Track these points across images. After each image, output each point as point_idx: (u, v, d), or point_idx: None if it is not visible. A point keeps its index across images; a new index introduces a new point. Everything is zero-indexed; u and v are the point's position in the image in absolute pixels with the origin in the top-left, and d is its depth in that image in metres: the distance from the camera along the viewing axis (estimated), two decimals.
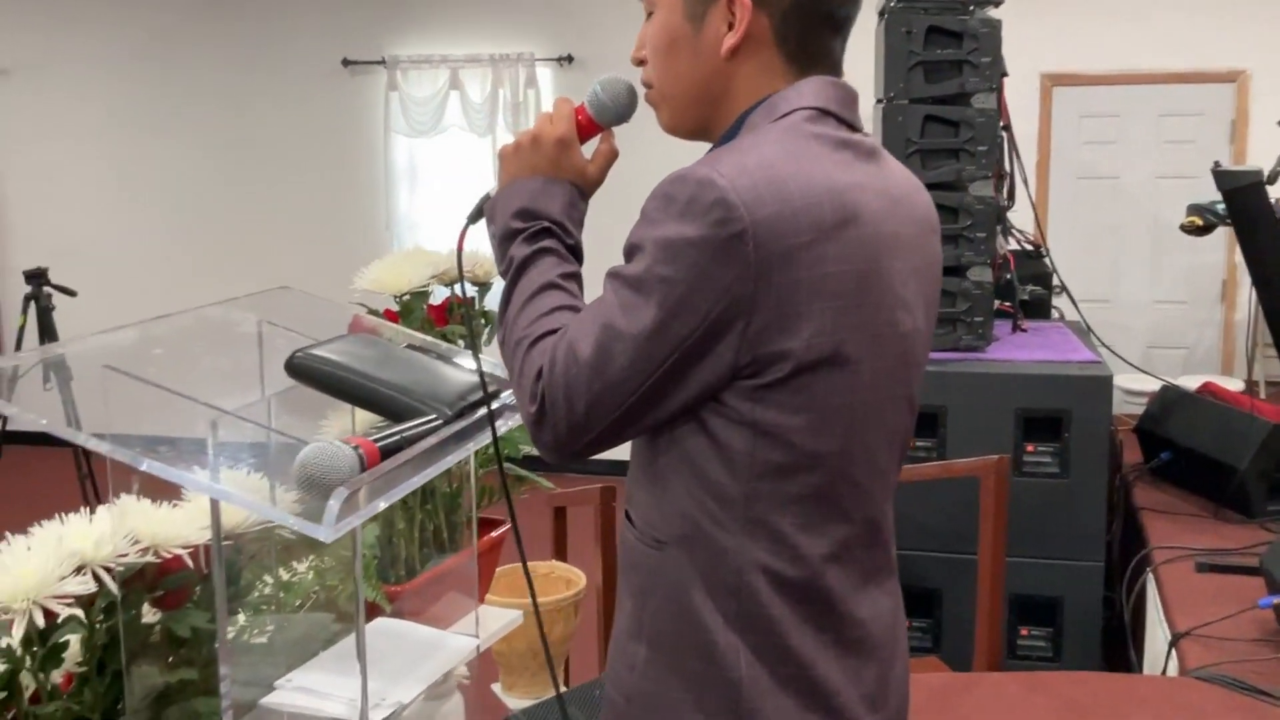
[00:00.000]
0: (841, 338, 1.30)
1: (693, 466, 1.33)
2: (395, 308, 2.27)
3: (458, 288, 2.35)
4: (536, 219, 1.47)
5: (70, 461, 6.46)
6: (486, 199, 1.55)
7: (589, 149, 1.56)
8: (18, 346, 6.70)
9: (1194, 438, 4.56)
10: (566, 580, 3.99)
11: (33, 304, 6.51)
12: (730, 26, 1.39)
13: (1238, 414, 4.53)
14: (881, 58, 4.26)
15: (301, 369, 1.65)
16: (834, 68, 1.45)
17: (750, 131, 1.39)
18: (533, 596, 1.62)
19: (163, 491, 1.58)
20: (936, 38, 4.15)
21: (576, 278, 1.47)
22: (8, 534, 1.57)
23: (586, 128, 1.54)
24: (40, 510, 1.68)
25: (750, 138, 1.37)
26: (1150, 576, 3.89)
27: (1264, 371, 5.90)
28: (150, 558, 1.55)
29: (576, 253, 1.49)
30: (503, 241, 1.49)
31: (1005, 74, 4.31)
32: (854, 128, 1.43)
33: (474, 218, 1.58)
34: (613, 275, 1.34)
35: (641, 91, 1.54)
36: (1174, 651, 3.29)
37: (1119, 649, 4.12)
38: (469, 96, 8.08)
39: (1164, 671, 3.36)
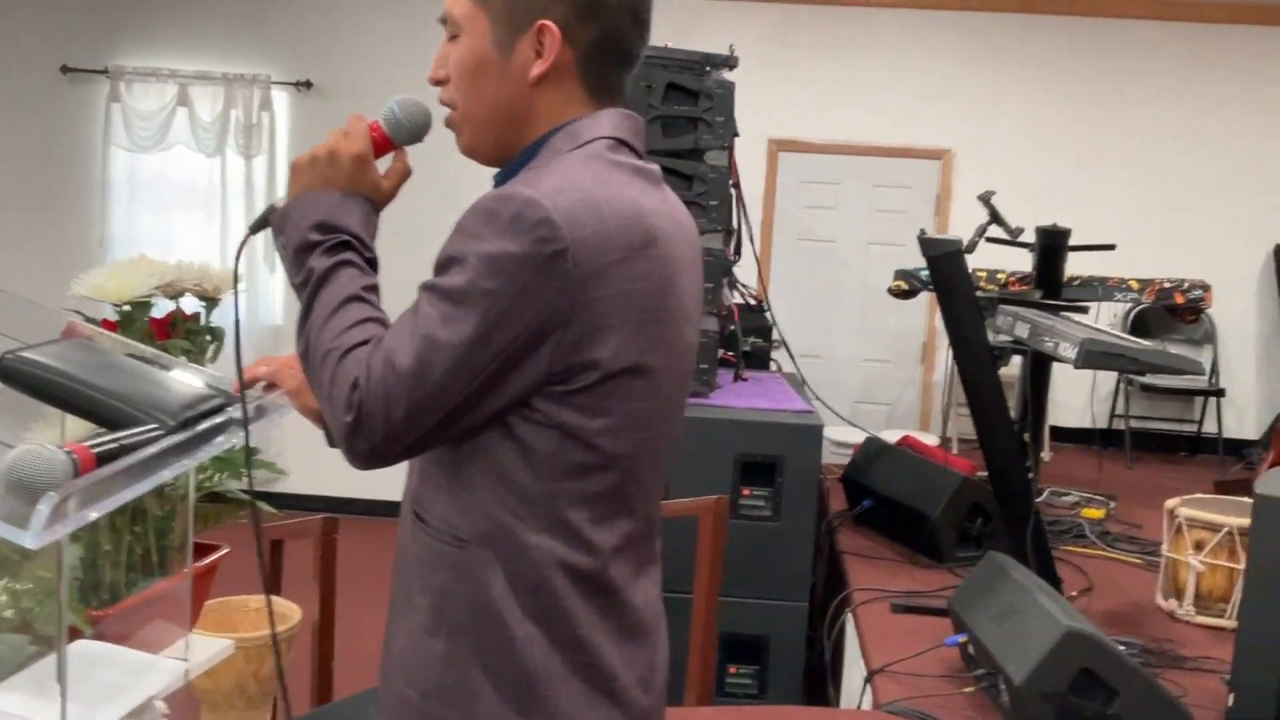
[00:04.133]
0: (643, 349, 1.41)
1: (497, 468, 1.40)
2: (114, 317, 2.16)
3: (183, 301, 2.26)
4: (336, 232, 1.49)
5: None
6: (273, 210, 1.54)
7: (381, 165, 1.59)
8: None
9: (893, 487, 4.87)
10: (281, 614, 3.86)
11: None
12: (538, 54, 1.47)
13: (932, 466, 4.88)
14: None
15: (11, 372, 1.55)
16: (624, 100, 1.56)
17: (552, 155, 1.47)
18: (271, 624, 1.59)
19: None
20: (675, 94, 4.31)
21: (377, 290, 1.51)
22: None
23: (381, 145, 1.57)
24: None
25: (559, 162, 1.44)
26: (850, 616, 4.12)
27: (957, 428, 6.37)
28: None
29: (374, 265, 1.53)
30: (298, 253, 1.49)
31: (736, 134, 4.52)
32: (641, 156, 1.54)
33: (257, 228, 1.57)
34: (429, 287, 1.38)
35: (440, 112, 1.58)
36: (869, 687, 3.49)
37: (821, 685, 4.32)
38: (198, 114, 7.77)
39: (859, 706, 3.55)
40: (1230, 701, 3.27)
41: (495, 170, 1.54)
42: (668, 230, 1.46)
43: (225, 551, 2.31)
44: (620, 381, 1.39)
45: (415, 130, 1.59)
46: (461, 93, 1.52)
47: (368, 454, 1.38)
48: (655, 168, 1.54)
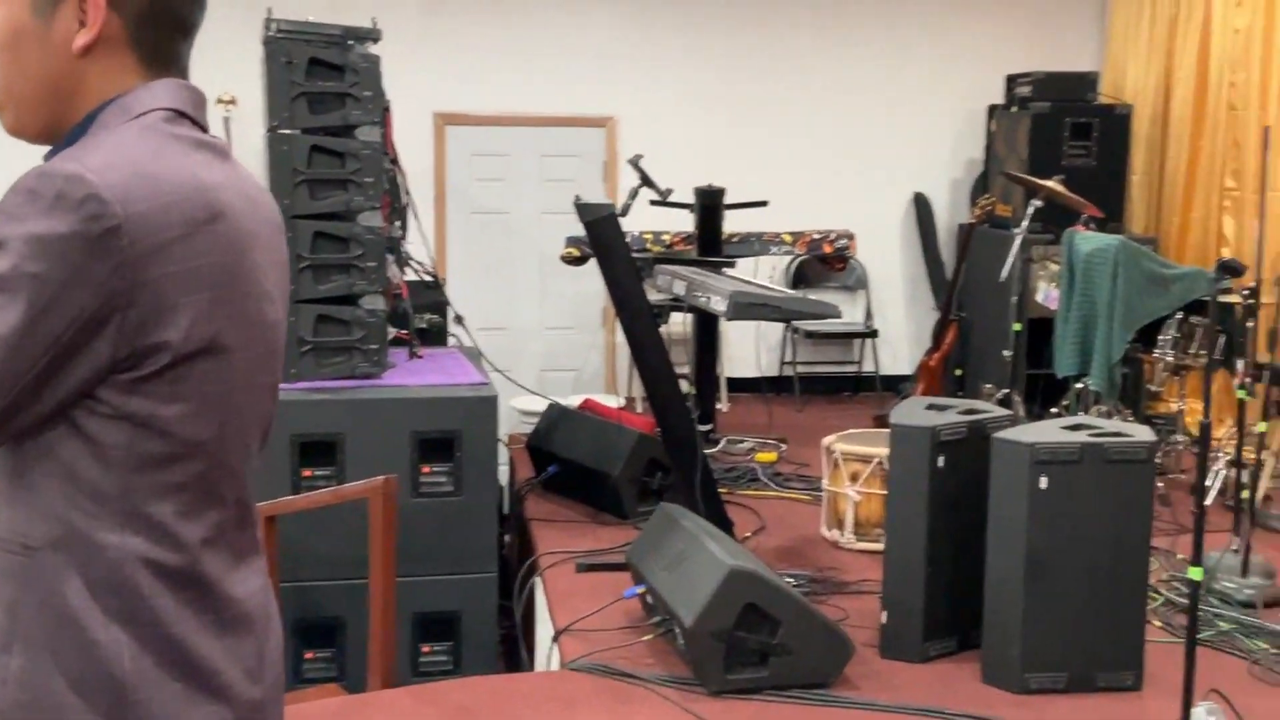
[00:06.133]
0: (217, 328, 1.34)
1: (64, 467, 1.31)
2: None
3: None
4: None
5: None
6: None
7: None
8: None
9: (575, 450, 4.96)
10: None
11: None
12: (82, 24, 1.36)
13: (611, 427, 5.00)
14: (266, 87, 4.24)
15: None
16: (183, 71, 1.48)
17: (103, 130, 1.37)
18: None
19: None
20: (319, 69, 4.19)
21: None
22: None
23: None
24: None
25: (109, 135, 1.35)
26: (538, 581, 4.18)
27: (641, 388, 6.52)
28: None
29: None
30: None
31: (388, 107, 4.45)
32: (205, 129, 1.46)
33: None
34: None
35: None
36: (556, 647, 3.56)
37: (517, 653, 4.37)
38: None
39: (548, 667, 3.61)
40: (884, 618, 3.53)
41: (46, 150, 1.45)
42: (237, 205, 1.41)
43: None
44: (195, 364, 1.33)
45: None
46: (2, 68, 1.42)
47: None
48: (222, 141, 1.48)
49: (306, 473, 4.04)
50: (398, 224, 4.88)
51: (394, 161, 4.72)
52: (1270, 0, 5.80)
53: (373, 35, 4.23)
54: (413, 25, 6.78)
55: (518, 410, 5.81)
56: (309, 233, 4.15)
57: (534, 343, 7.18)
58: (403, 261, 4.91)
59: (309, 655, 4.03)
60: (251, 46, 4.43)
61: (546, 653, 3.64)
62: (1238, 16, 6.06)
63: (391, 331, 4.57)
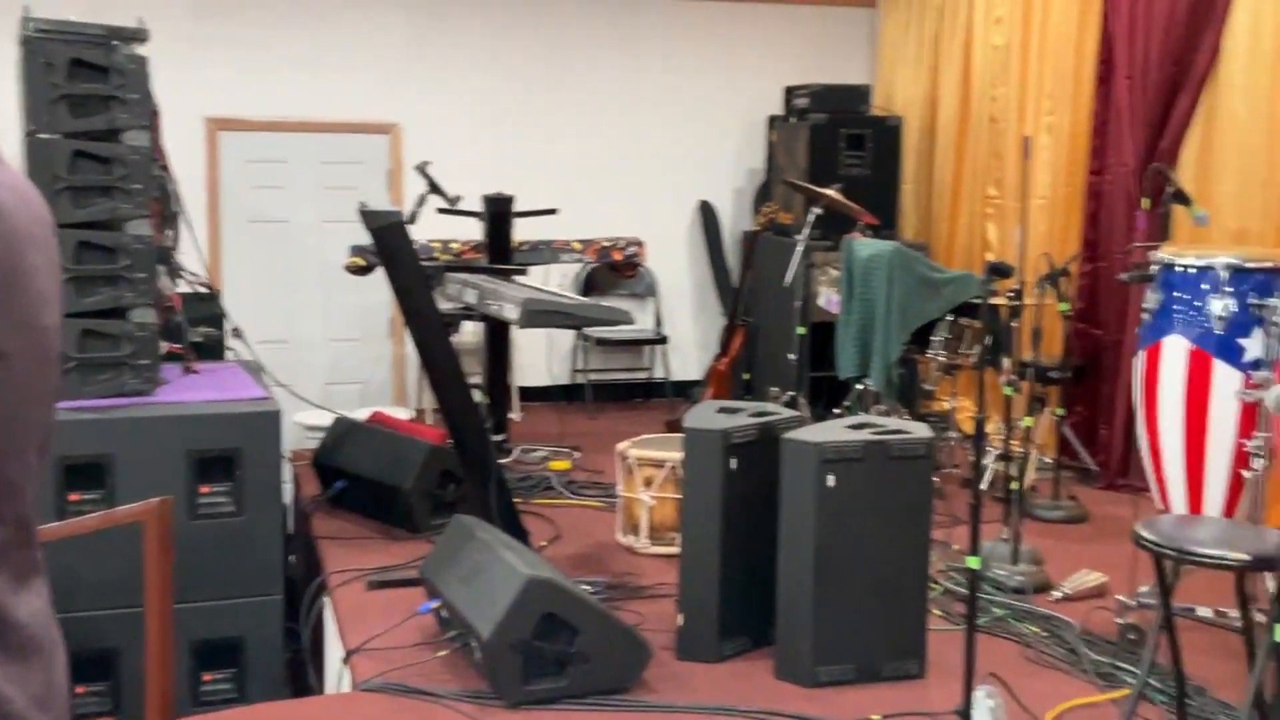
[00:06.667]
0: None
1: None
2: None
3: None
4: None
5: None
6: None
7: None
8: None
9: (364, 465, 4.83)
10: None
11: None
12: None
13: (401, 439, 4.89)
14: (23, 90, 3.97)
15: None
16: None
17: None
18: None
19: None
20: (81, 71, 3.95)
21: None
22: None
23: None
24: None
25: None
26: (327, 601, 4.04)
27: (430, 399, 6.42)
28: None
29: None
30: None
31: (156, 111, 4.23)
32: None
33: None
34: None
35: None
36: (347, 668, 3.44)
37: (305, 677, 4.22)
38: None
39: (339, 689, 3.49)
40: (680, 621, 3.56)
41: None
42: (12, 205, 1.32)
43: None
44: None
45: None
46: None
47: None
48: None
49: (73, 496, 3.80)
50: (169, 233, 4.65)
51: (164, 168, 4.49)
52: (1026, 18, 6.14)
53: (139, 36, 4.01)
54: (183, 26, 6.49)
55: (302, 425, 5.63)
56: (72, 243, 3.90)
57: (318, 355, 6.98)
58: (175, 272, 4.68)
59: (81, 690, 3.78)
60: (6, 46, 4.14)
61: (337, 675, 3.52)
62: (996, 34, 6.40)
63: (164, 346, 4.35)
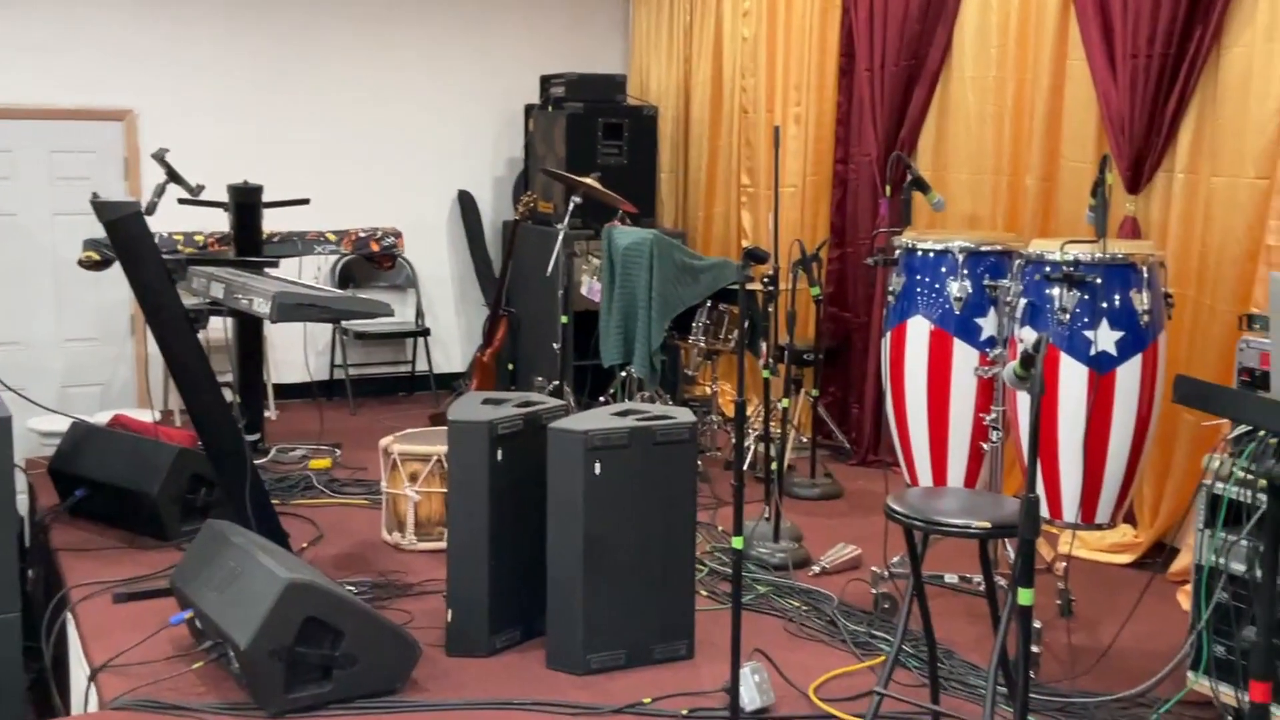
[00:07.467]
0: None
1: None
2: None
3: None
4: None
5: None
6: None
7: None
8: None
9: (106, 471, 4.55)
10: None
11: None
12: None
13: (147, 443, 4.63)
14: None
15: None
16: None
17: None
18: None
19: None
20: None
21: None
22: None
23: None
24: None
25: None
26: (70, 617, 3.79)
27: (179, 401, 6.10)
28: None
29: None
30: None
31: None
32: None
33: None
34: None
35: None
36: (94, 686, 3.24)
37: (49, 699, 3.95)
38: None
39: (85, 709, 3.28)
40: (449, 616, 3.50)
41: None
42: None
43: None
44: None
45: None
46: None
47: None
48: None
49: None
50: None
51: None
52: (772, 11, 6.31)
53: None
54: None
55: (36, 432, 5.27)
56: None
57: (52, 357, 6.55)
58: None
59: None
60: None
61: (83, 694, 3.31)
62: (745, 26, 6.56)
63: None
